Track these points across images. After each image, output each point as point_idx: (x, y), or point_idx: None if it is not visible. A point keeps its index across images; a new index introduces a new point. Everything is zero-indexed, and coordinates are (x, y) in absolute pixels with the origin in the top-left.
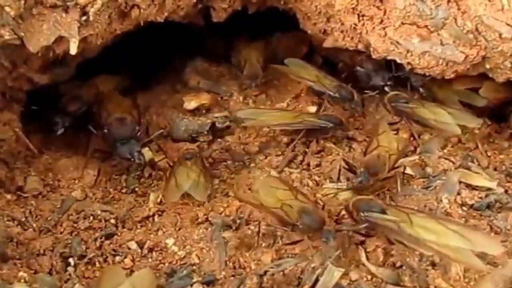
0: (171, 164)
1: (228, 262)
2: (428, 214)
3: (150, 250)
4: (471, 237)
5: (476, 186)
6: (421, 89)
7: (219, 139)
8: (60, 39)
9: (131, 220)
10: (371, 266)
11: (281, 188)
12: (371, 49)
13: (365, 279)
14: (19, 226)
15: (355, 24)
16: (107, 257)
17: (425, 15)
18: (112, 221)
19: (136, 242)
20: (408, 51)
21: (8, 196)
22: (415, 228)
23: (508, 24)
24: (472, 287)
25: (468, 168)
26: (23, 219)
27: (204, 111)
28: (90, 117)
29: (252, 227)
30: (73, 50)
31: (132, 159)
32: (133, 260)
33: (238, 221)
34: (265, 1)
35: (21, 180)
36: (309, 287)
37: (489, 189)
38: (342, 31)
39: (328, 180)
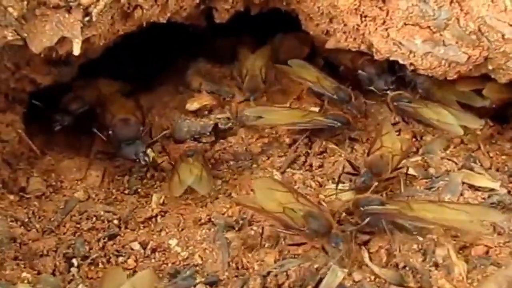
0: (173, 163)
1: (231, 263)
2: (428, 200)
3: (153, 250)
4: (469, 210)
5: (479, 187)
6: (420, 90)
7: (221, 140)
8: (63, 40)
9: (134, 220)
10: (375, 266)
11: (279, 190)
12: (374, 50)
13: (368, 279)
14: (22, 227)
15: (358, 25)
16: (110, 257)
17: (427, 16)
18: (115, 221)
19: (139, 243)
20: (410, 52)
21: (11, 197)
22: (415, 211)
23: (511, 25)
24: None
25: (471, 169)
26: (26, 219)
27: (206, 112)
28: (92, 118)
29: (255, 228)
30: (76, 51)
31: (138, 160)
32: (136, 261)
33: (241, 221)
34: (267, 2)
35: (24, 181)
36: None
37: (492, 190)
38: (344, 32)
39: (330, 181)
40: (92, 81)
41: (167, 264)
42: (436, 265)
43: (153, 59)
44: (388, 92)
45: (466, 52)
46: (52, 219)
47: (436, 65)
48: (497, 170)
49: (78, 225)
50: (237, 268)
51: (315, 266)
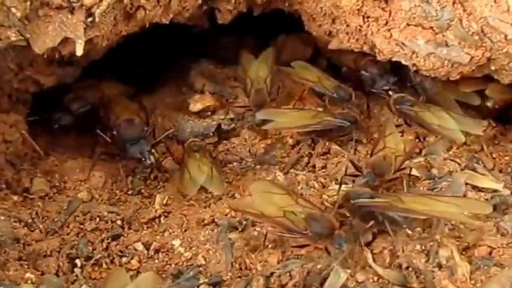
0: (178, 161)
1: (234, 264)
2: (419, 193)
3: (157, 251)
4: (460, 202)
5: (482, 188)
6: (419, 90)
7: (224, 141)
8: (66, 41)
9: (137, 221)
10: (378, 267)
11: (277, 193)
12: (376, 51)
13: (371, 280)
14: (25, 228)
15: (360, 26)
16: (113, 258)
17: (430, 16)
18: (119, 222)
19: (143, 243)
20: (413, 52)
21: (15, 198)
22: (406, 203)
23: None
24: None
25: (474, 170)
26: (30, 220)
27: (209, 113)
28: (95, 119)
29: (258, 229)
30: (79, 52)
31: (143, 159)
32: (139, 261)
33: (244, 222)
34: (270, 3)
35: (28, 181)
36: None
37: (495, 190)
38: (347, 33)
39: (334, 182)
40: (95, 83)
41: (170, 264)
42: (439, 266)
43: (156, 60)
44: (390, 93)
45: (469, 52)
46: (56, 219)
47: (438, 66)
48: (500, 171)
49: (82, 226)
50: (240, 268)
51: (318, 266)
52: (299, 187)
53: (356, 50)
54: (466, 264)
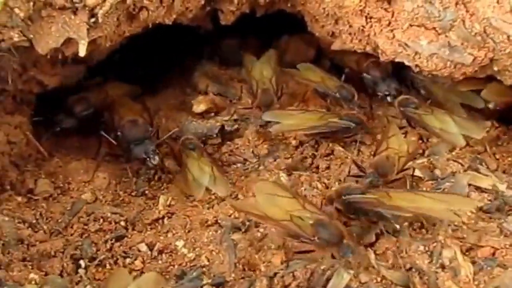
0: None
1: (237, 264)
2: (406, 189)
3: (160, 252)
4: (444, 198)
5: (485, 189)
6: (422, 91)
7: (228, 142)
8: (69, 41)
9: (141, 222)
10: (381, 268)
11: (283, 196)
12: (379, 51)
13: (375, 281)
14: (29, 228)
15: (363, 26)
16: (117, 259)
17: (433, 17)
18: (122, 223)
19: (146, 244)
20: (416, 53)
21: (19, 199)
22: (393, 199)
23: None
24: None
25: (477, 171)
26: (34, 221)
27: (213, 114)
28: (99, 120)
29: (261, 229)
30: (82, 52)
31: (148, 159)
32: (143, 262)
33: (247, 223)
34: (273, 3)
35: (32, 182)
36: None
37: (498, 191)
38: (350, 34)
39: (337, 183)
40: (99, 84)
41: (174, 265)
42: (442, 266)
43: (159, 61)
44: (388, 97)
45: (472, 53)
46: (60, 220)
47: (441, 67)
48: (504, 172)
49: (86, 227)
50: (244, 269)
51: (322, 267)
52: (302, 188)
53: (359, 50)
54: (469, 264)
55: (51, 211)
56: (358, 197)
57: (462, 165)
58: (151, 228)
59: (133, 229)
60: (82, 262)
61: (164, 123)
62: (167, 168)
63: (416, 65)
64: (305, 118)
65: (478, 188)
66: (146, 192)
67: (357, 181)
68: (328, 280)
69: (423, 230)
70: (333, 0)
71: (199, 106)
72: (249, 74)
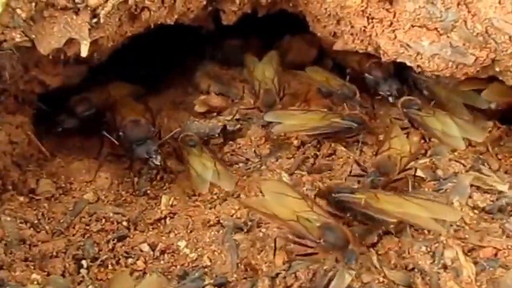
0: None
1: (239, 265)
2: (395, 193)
3: (162, 252)
4: (430, 206)
5: (487, 189)
6: (425, 91)
7: (230, 142)
8: (70, 42)
9: (143, 222)
10: (383, 268)
11: (292, 196)
12: (381, 52)
13: (377, 281)
14: (31, 228)
15: (365, 27)
16: (119, 259)
17: (435, 17)
18: (124, 223)
19: (148, 245)
20: (418, 53)
21: (21, 199)
22: (381, 202)
23: None
24: None
25: (479, 171)
26: (36, 221)
27: (215, 114)
28: (101, 120)
29: (263, 230)
30: (84, 53)
31: (150, 159)
32: (145, 262)
33: (249, 223)
34: (274, 4)
35: (34, 182)
36: None
37: (500, 192)
38: (352, 34)
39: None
40: (102, 84)
41: (176, 266)
42: (444, 267)
43: (161, 61)
44: (390, 97)
45: (473, 53)
46: (62, 220)
47: (443, 67)
48: (506, 172)
49: (88, 227)
50: (246, 269)
51: (324, 267)
52: (304, 188)
53: (361, 51)
54: (472, 265)
55: (53, 211)
56: (347, 196)
57: (464, 165)
58: (153, 228)
59: (135, 229)
60: (84, 262)
61: (166, 123)
62: (169, 168)
63: (418, 66)
64: (307, 118)
65: (480, 189)
66: (148, 192)
67: (359, 181)
68: (330, 280)
69: (425, 231)
70: (335, 0)
71: (201, 106)
72: (251, 75)
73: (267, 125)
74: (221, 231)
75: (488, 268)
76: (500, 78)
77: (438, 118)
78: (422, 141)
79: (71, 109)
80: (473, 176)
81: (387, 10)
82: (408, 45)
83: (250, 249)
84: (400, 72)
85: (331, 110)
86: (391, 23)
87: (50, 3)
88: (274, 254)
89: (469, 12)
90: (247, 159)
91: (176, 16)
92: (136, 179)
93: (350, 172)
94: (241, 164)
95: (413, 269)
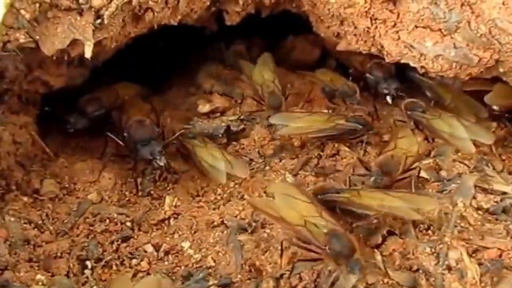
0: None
1: (244, 265)
2: (377, 189)
3: (166, 253)
4: (408, 198)
5: (491, 190)
6: (428, 94)
7: (234, 142)
8: (74, 42)
9: (147, 223)
10: (388, 269)
11: (301, 200)
12: (385, 53)
13: (381, 282)
14: (35, 229)
15: (368, 28)
16: (123, 260)
17: (438, 18)
18: (128, 224)
19: (152, 245)
20: (421, 54)
21: (25, 199)
22: (363, 198)
23: None
24: None
25: (483, 172)
26: (40, 221)
27: (218, 114)
28: (105, 120)
29: (267, 230)
30: (87, 53)
31: (154, 159)
32: (149, 263)
33: (253, 224)
34: (278, 4)
35: (38, 183)
36: None
37: (504, 193)
38: (355, 35)
39: (343, 183)
40: (108, 84)
41: (180, 266)
42: (449, 268)
43: (164, 61)
44: (388, 96)
45: (477, 54)
46: (66, 221)
47: (447, 68)
48: (510, 173)
49: (92, 227)
50: (250, 270)
51: (328, 268)
52: (307, 189)
53: (364, 52)
54: (476, 266)
55: (57, 211)
56: (333, 195)
57: (468, 166)
58: (157, 229)
59: (139, 230)
60: (88, 263)
61: (169, 123)
62: (173, 169)
63: (422, 67)
64: (312, 120)
65: (484, 190)
66: (152, 192)
67: (363, 182)
68: (334, 281)
69: (430, 232)
70: (338, 1)
71: (205, 106)
72: (250, 80)
73: (271, 126)
74: (225, 232)
75: (493, 270)
76: (504, 79)
77: (444, 119)
78: (426, 141)
79: (82, 109)
80: (477, 177)
81: (391, 11)
82: (411, 46)
83: (255, 250)
84: (404, 73)
85: (334, 110)
86: (395, 24)
87: (54, 4)
88: (281, 256)
89: (472, 13)
90: (251, 160)
91: (179, 17)
92: (140, 180)
93: (353, 170)
94: None
95: (417, 270)
